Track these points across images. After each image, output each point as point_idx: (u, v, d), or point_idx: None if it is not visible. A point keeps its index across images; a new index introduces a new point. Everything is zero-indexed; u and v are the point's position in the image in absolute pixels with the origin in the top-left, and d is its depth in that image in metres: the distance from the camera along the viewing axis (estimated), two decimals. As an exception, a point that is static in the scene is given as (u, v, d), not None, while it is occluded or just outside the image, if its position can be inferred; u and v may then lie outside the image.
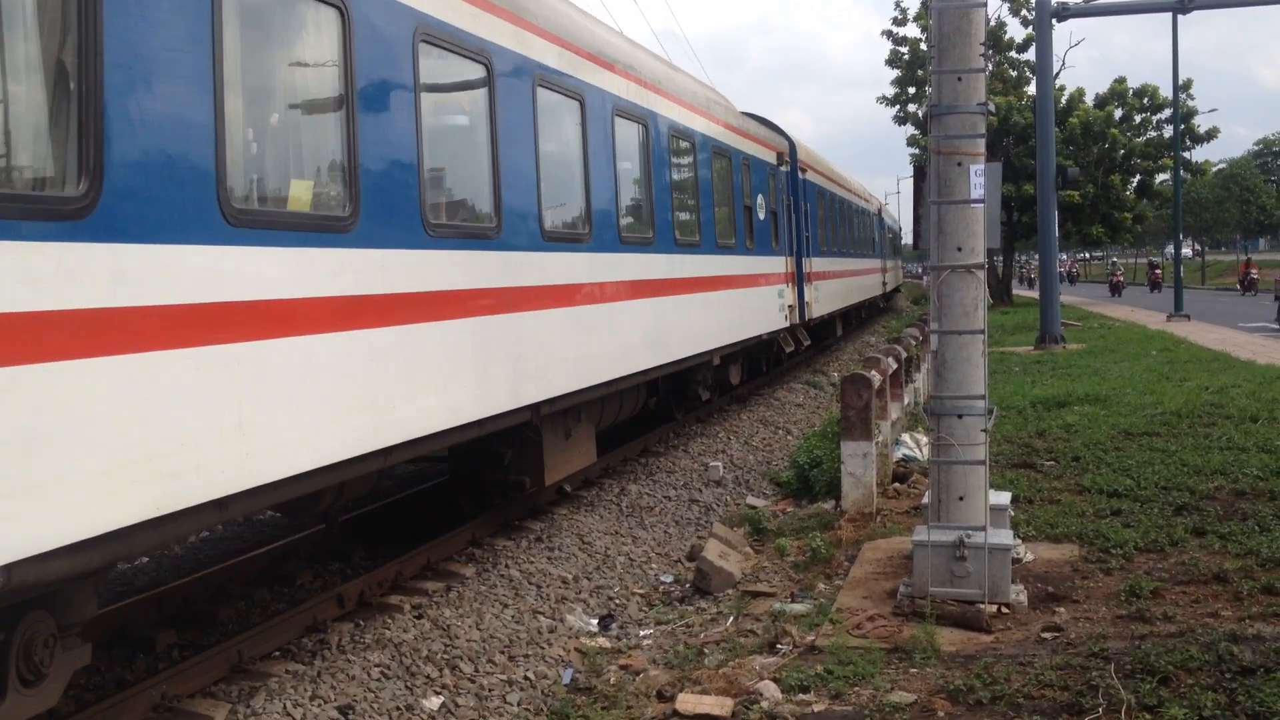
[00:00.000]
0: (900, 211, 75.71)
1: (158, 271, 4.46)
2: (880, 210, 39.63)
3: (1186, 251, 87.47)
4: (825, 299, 21.19)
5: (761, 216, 15.67)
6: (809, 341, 20.05)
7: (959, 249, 6.41)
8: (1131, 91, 40.12)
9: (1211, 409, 12.40)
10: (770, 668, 5.63)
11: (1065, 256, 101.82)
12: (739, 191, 14.54)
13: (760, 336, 15.29)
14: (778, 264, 16.69)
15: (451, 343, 6.68)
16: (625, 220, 10.08)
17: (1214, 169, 58.59)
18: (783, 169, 17.71)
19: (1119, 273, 58.26)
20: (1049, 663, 5.30)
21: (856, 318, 32.53)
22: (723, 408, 16.12)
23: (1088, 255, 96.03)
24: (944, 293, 6.45)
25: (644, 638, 6.95)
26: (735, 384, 15.88)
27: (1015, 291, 47.76)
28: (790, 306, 17.31)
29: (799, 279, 18.24)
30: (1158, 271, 57.76)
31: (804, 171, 19.59)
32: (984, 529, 6.26)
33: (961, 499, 6.41)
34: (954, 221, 6.41)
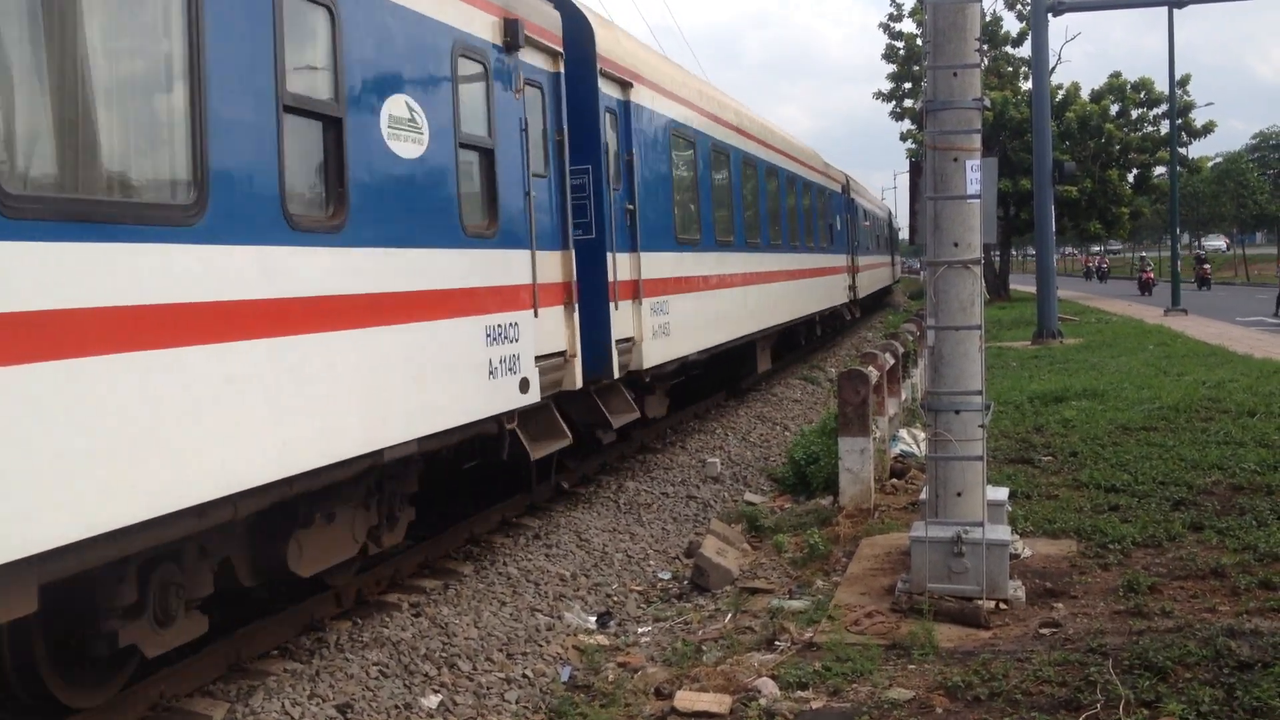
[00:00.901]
0: (896, 206, 74.74)
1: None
2: (848, 188, 28.65)
3: (1221, 245, 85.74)
4: (696, 325, 12.13)
5: (402, 148, 6.54)
6: (625, 419, 10.13)
7: (955, 244, 6.40)
8: (1129, 86, 40.18)
9: (1209, 404, 12.41)
10: (768, 665, 5.63)
11: (1073, 251, 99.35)
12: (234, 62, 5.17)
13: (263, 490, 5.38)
14: (476, 267, 7.30)
15: None
16: None
17: (1210, 163, 58.22)
18: (509, 52, 7.93)
19: (1149, 268, 51.75)
20: (1047, 658, 5.30)
21: (810, 335, 23.29)
22: (719, 403, 16.06)
23: (1102, 249, 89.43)
24: (941, 288, 6.45)
25: (642, 635, 6.95)
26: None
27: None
28: (559, 356, 8.72)
29: (584, 296, 9.17)
30: (1206, 267, 51.46)
31: (627, 87, 10.38)
32: (982, 525, 6.26)
33: (959, 495, 6.41)
34: (950, 217, 6.41)
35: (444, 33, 7.06)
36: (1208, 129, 39.81)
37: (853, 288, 27.25)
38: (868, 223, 34.29)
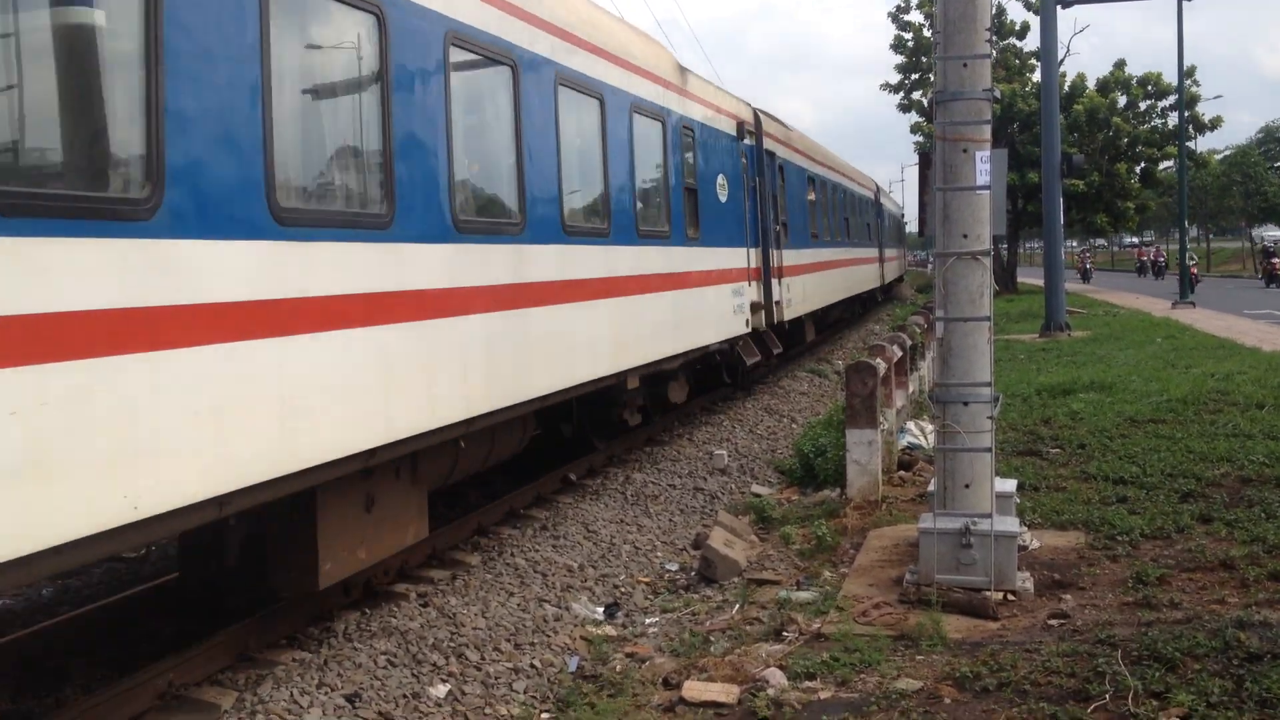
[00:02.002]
0: (905, 199, 73.70)
1: None
2: (758, 129, 15.29)
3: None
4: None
5: None
6: None
7: (964, 236, 6.39)
8: (1135, 80, 39.92)
9: (1217, 396, 12.38)
10: (776, 655, 5.63)
11: (1103, 243, 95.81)
12: None
13: None
14: None
15: None
16: None
17: (1218, 156, 57.52)
18: None
19: (1193, 262, 42.99)
20: (1055, 649, 5.30)
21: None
22: (727, 396, 16.06)
23: (1156, 242, 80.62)
24: (950, 279, 6.44)
25: (650, 626, 6.96)
26: None
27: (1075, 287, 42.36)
28: None
29: None
30: (1276, 260, 44.07)
31: None
32: (990, 516, 6.26)
33: (967, 486, 6.41)
34: (960, 208, 6.39)
35: None
36: (1215, 124, 39.55)
37: (765, 306, 14.85)
38: (814, 195, 20.12)
